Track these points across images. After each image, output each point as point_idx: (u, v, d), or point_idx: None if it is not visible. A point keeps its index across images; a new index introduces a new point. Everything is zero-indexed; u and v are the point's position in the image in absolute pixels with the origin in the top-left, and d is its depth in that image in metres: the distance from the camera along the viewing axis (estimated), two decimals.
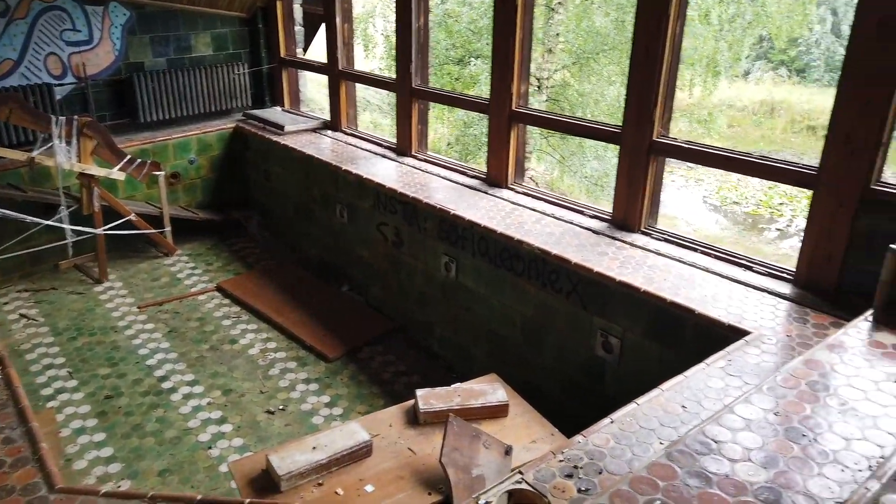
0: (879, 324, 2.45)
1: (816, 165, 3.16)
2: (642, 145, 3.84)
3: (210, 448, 3.87)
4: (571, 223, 4.19)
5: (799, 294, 3.24)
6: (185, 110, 6.62)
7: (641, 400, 2.47)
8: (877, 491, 1.12)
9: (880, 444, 1.23)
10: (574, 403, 3.94)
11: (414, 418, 3.33)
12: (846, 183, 3.04)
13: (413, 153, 5.63)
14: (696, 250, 3.73)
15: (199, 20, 6.63)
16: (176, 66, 6.57)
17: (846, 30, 19.00)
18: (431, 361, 4.86)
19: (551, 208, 4.45)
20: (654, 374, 3.21)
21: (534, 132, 10.05)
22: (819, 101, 16.21)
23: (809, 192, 3.26)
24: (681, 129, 10.16)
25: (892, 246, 2.45)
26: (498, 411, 3.37)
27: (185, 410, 4.18)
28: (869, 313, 2.54)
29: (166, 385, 4.42)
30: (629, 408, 2.41)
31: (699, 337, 3.13)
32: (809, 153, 14.41)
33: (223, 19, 6.80)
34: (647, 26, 3.66)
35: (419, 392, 3.40)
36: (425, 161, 5.53)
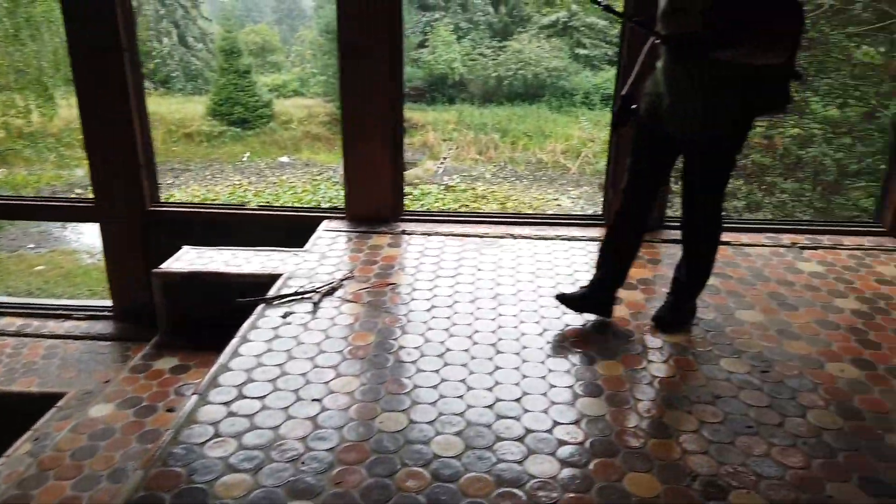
0: (162, 348, 2.48)
1: (92, 197, 3.03)
2: None
3: None
4: None
5: (122, 328, 3.11)
6: None
7: None
8: None
9: None
10: None
11: None
12: (127, 208, 3.00)
13: None
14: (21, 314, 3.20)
15: None
16: None
17: (192, 41, 20.40)
18: None
19: None
20: None
21: None
22: (188, 109, 16.77)
23: None
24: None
25: (154, 270, 2.49)
26: None
27: None
28: (156, 339, 2.56)
29: None
30: None
31: (13, 416, 2.68)
32: (194, 158, 14.82)
33: None
34: None
35: None
36: None
